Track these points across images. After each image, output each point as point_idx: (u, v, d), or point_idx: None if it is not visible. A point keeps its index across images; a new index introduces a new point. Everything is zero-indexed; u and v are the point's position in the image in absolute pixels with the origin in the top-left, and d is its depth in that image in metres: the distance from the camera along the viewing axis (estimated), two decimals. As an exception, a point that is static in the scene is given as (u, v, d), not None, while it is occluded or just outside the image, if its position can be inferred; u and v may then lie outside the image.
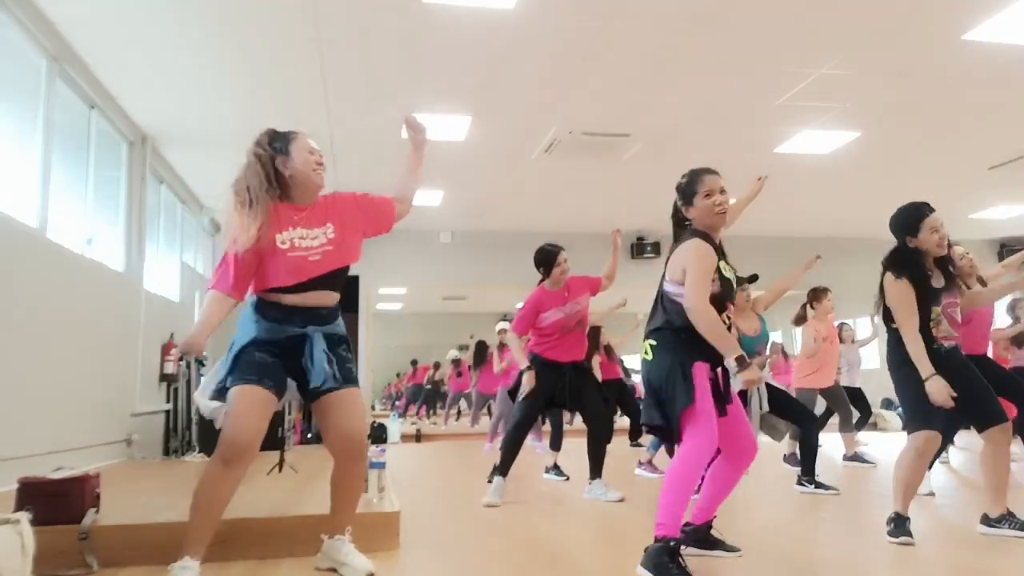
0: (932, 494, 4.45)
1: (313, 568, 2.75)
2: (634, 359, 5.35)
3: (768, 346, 4.88)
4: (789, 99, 6.15)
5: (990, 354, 4.57)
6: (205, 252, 9.34)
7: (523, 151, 7.40)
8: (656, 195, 9.27)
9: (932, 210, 3.20)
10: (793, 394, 4.80)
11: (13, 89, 4.74)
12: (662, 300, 2.74)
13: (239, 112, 5.97)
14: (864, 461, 6.01)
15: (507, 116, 6.51)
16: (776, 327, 5.18)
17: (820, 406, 6.38)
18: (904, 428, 3.29)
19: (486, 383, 9.70)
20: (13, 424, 4.18)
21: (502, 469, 4.38)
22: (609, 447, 4.54)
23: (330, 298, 2.67)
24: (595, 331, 7.13)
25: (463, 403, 13.00)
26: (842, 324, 7.67)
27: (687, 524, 2.94)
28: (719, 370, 2.72)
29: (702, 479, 2.87)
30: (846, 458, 6.13)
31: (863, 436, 6.50)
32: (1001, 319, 6.50)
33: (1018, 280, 3.75)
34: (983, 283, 4.19)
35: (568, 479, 5.37)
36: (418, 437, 10.55)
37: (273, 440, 6.14)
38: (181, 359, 7.06)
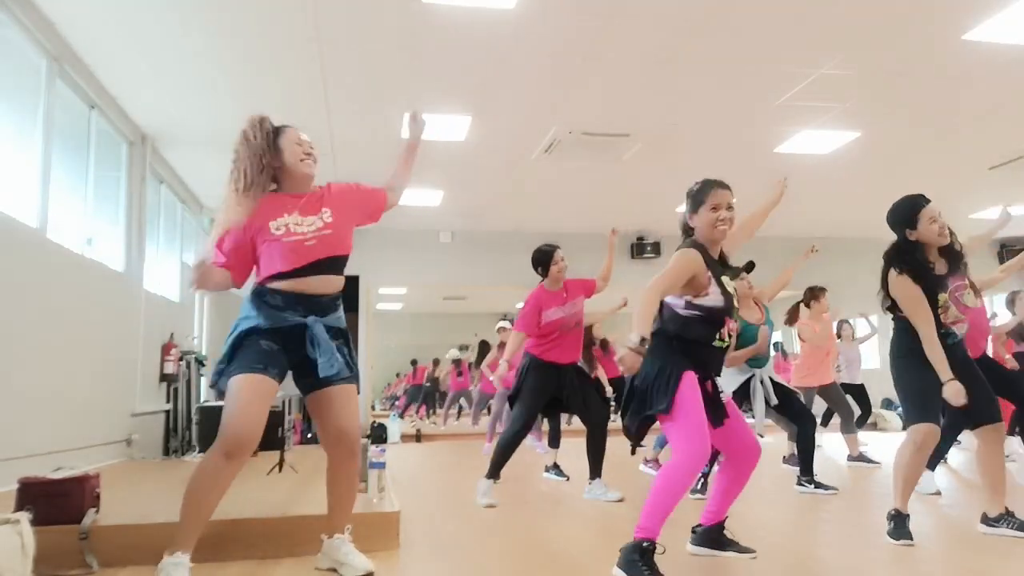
0: (938, 493, 4.45)
1: (313, 568, 2.74)
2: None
3: (772, 333, 4.88)
4: (789, 99, 6.15)
5: (989, 354, 4.57)
6: (205, 252, 9.32)
7: (523, 151, 7.40)
8: (656, 195, 9.37)
9: (928, 201, 3.19)
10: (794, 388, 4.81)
11: (13, 89, 4.74)
12: (660, 307, 2.72)
13: (239, 112, 5.88)
14: (869, 461, 6.00)
15: (507, 116, 6.51)
16: (776, 327, 5.17)
17: (819, 407, 6.38)
18: (903, 423, 3.29)
19: (488, 382, 9.72)
20: (13, 424, 4.18)
21: (492, 471, 4.36)
22: (609, 446, 4.54)
23: (331, 284, 2.65)
24: (588, 326, 7.11)
25: (463, 402, 13.00)
26: (842, 321, 7.67)
27: (698, 525, 2.95)
28: (712, 382, 2.73)
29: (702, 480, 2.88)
30: (850, 459, 6.11)
31: (862, 436, 6.48)
32: (1002, 318, 6.52)
33: None
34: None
35: (568, 479, 5.37)
36: (418, 437, 10.54)
37: (273, 440, 6.16)
38: (181, 358, 7.07)
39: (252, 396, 2.44)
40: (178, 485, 2.54)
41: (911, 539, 3.07)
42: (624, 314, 7.77)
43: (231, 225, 2.53)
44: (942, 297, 3.12)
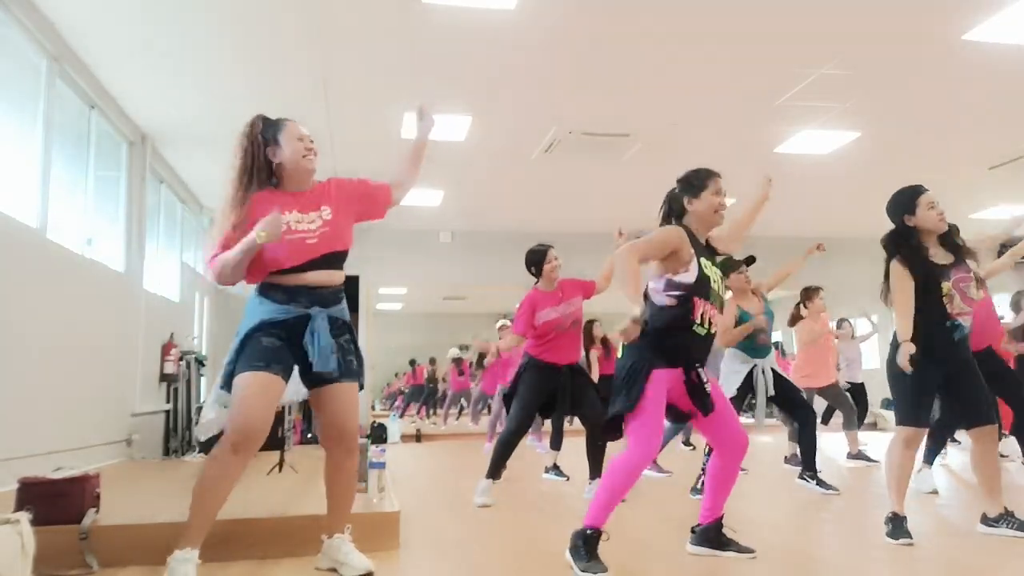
0: (936, 492, 4.45)
1: (313, 568, 2.74)
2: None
3: (772, 321, 4.88)
4: (789, 99, 6.15)
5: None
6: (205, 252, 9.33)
7: (523, 151, 7.40)
8: (656, 195, 9.25)
9: (926, 189, 3.22)
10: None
11: (13, 89, 4.74)
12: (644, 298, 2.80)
13: (239, 112, 5.89)
14: (868, 459, 6.01)
15: (507, 116, 6.51)
16: (775, 327, 5.18)
17: (819, 405, 6.37)
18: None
19: (488, 382, 9.72)
20: (13, 424, 4.18)
21: (492, 471, 4.36)
22: (609, 447, 4.53)
23: (333, 277, 2.65)
24: (589, 325, 7.11)
25: (463, 401, 13.02)
26: (841, 320, 7.67)
27: (697, 525, 2.95)
28: (696, 372, 2.74)
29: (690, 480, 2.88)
30: (850, 456, 6.12)
31: (862, 436, 6.48)
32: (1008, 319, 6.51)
33: None
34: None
35: (568, 479, 5.37)
36: (418, 437, 10.55)
37: (273, 440, 6.16)
38: (181, 358, 7.06)
39: (254, 391, 2.45)
40: (178, 485, 2.54)
41: (911, 538, 3.07)
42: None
43: (227, 231, 2.54)
44: (945, 286, 3.10)
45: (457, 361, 12.72)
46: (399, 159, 3.09)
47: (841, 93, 6.06)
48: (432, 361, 15.78)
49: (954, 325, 3.12)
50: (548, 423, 6.24)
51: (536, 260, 4.51)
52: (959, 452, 6.55)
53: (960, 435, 6.74)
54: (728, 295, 4.99)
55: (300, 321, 2.55)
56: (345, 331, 2.69)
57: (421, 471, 6.57)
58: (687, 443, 7.45)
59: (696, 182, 2.85)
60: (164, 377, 6.96)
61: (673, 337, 2.70)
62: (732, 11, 4.74)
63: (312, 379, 2.60)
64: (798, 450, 5.22)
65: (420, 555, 3.06)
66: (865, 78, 5.79)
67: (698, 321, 2.70)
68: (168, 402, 6.89)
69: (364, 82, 5.74)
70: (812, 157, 7.61)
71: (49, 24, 4.77)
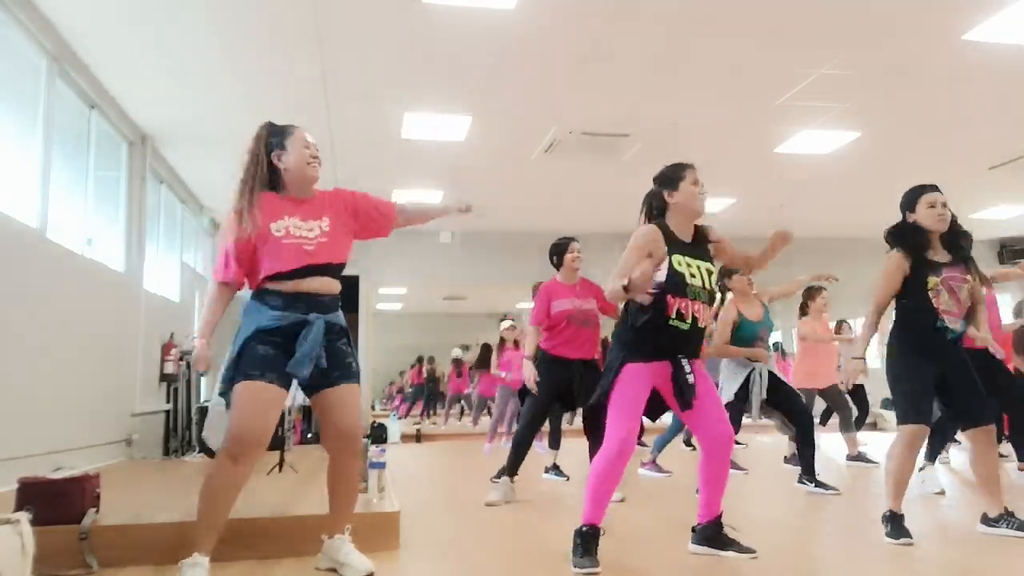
0: (942, 492, 4.45)
1: (313, 568, 2.75)
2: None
3: (769, 332, 4.89)
4: (789, 99, 6.15)
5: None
6: (205, 252, 9.34)
7: (523, 151, 7.40)
8: (656, 195, 9.34)
9: (934, 188, 3.27)
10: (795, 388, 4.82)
11: (13, 89, 4.74)
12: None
13: (239, 112, 5.96)
14: (867, 461, 6.01)
15: (507, 116, 6.51)
16: (776, 327, 5.20)
17: (818, 406, 6.37)
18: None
19: (486, 385, 9.71)
20: (13, 424, 4.18)
21: (510, 469, 4.40)
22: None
23: (330, 285, 2.66)
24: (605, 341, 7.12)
25: (462, 403, 13.01)
26: (840, 322, 7.66)
27: (697, 524, 2.95)
28: (679, 362, 2.77)
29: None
30: (849, 458, 6.12)
31: (861, 436, 6.48)
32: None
33: None
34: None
35: (568, 479, 5.37)
36: (418, 437, 10.55)
37: (273, 440, 6.15)
38: (181, 359, 7.06)
39: (250, 401, 2.47)
40: (178, 485, 2.55)
41: (910, 537, 3.07)
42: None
43: (238, 238, 2.55)
44: (932, 280, 3.13)
45: (457, 362, 12.72)
46: (419, 207, 3.14)
47: (841, 93, 6.06)
48: (431, 360, 15.79)
49: (945, 326, 3.13)
50: (547, 423, 6.24)
51: (558, 251, 4.55)
52: (960, 452, 6.55)
53: (960, 435, 6.73)
54: (729, 295, 4.99)
55: (296, 327, 2.56)
56: (343, 335, 2.70)
57: (421, 471, 6.57)
58: (688, 443, 7.45)
59: (673, 175, 2.92)
60: (164, 377, 6.96)
61: (651, 333, 2.77)
62: (732, 11, 4.74)
63: (312, 383, 2.60)
64: (797, 450, 5.21)
65: (420, 555, 3.06)
66: (865, 78, 5.79)
67: (673, 317, 2.75)
68: (168, 402, 6.89)
69: (364, 82, 5.73)
70: (812, 157, 7.61)
71: (49, 24, 4.77)
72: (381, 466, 3.52)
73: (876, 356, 10.35)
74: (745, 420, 4.92)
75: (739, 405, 4.66)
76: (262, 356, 2.52)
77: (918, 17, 4.86)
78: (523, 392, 4.51)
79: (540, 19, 4.78)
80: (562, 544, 2.81)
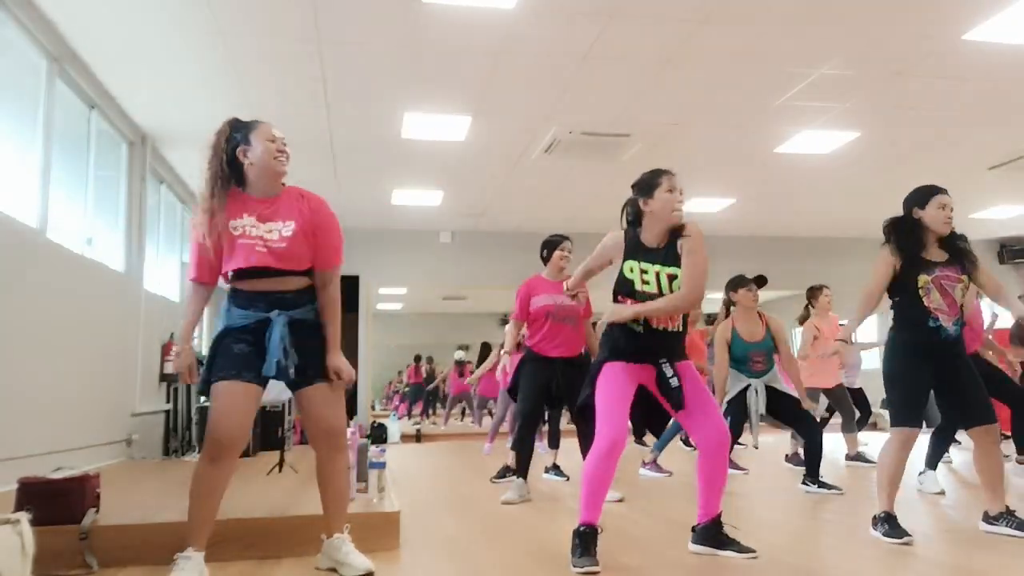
0: (942, 492, 4.46)
1: (313, 568, 2.75)
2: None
3: (767, 355, 4.85)
4: (789, 99, 6.15)
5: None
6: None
7: (523, 151, 7.40)
8: (656, 195, 9.34)
9: (945, 191, 3.27)
10: (796, 395, 4.81)
11: (13, 89, 4.74)
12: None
13: (239, 112, 5.92)
14: (867, 461, 6.01)
15: (507, 116, 6.50)
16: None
17: (821, 406, 6.37)
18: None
19: (487, 385, 9.71)
20: (13, 424, 4.18)
21: (520, 472, 4.46)
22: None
23: (289, 283, 2.60)
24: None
25: (465, 404, 13.01)
26: (843, 325, 7.65)
27: (696, 524, 2.95)
28: (660, 367, 2.82)
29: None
30: (848, 458, 6.12)
31: (862, 436, 6.49)
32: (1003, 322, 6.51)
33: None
34: None
35: (568, 479, 5.37)
36: (418, 437, 10.55)
37: (273, 440, 6.18)
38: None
39: (224, 401, 2.49)
40: (178, 485, 2.55)
41: (909, 536, 3.07)
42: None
43: (201, 237, 2.58)
44: (922, 279, 3.14)
45: (459, 364, 12.72)
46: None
47: (841, 93, 6.06)
48: (430, 360, 15.80)
49: (938, 325, 3.13)
50: (547, 423, 6.24)
51: (549, 247, 4.60)
52: (960, 452, 6.55)
53: (960, 435, 6.73)
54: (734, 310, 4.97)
55: (262, 325, 2.56)
56: (314, 332, 2.63)
57: (421, 471, 6.57)
58: (687, 443, 7.45)
59: (650, 182, 2.92)
60: (164, 377, 6.96)
61: (618, 333, 2.87)
62: (732, 11, 4.74)
63: (292, 383, 2.62)
64: (800, 449, 5.21)
65: (420, 555, 3.06)
66: (865, 78, 5.79)
67: (635, 320, 2.82)
68: (168, 402, 6.89)
69: (364, 82, 5.73)
70: (812, 157, 7.61)
71: (49, 24, 4.76)
72: (381, 466, 3.52)
73: (876, 356, 10.35)
74: (745, 438, 4.94)
75: (736, 419, 4.68)
76: (236, 355, 2.53)
77: (918, 17, 4.86)
78: (513, 390, 4.56)
79: (540, 19, 4.78)
80: (562, 544, 2.81)
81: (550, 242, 4.60)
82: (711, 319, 8.11)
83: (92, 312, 5.52)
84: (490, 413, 10.69)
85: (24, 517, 2.31)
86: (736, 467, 5.54)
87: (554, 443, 5.90)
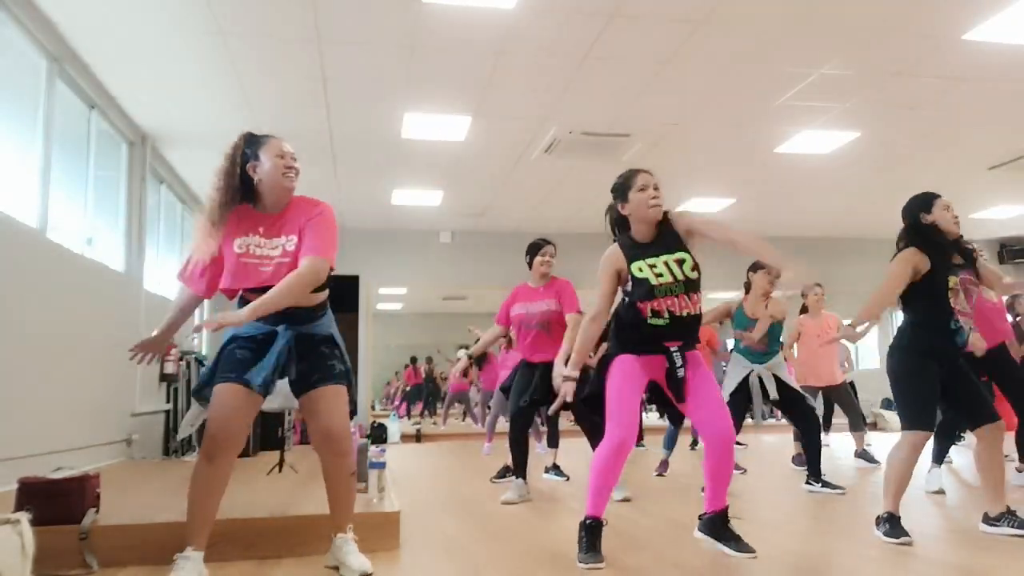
0: (942, 492, 4.46)
1: (313, 568, 2.75)
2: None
3: (767, 334, 4.87)
4: (789, 99, 6.15)
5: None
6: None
7: (523, 151, 7.40)
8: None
9: (941, 196, 3.29)
10: (800, 389, 4.82)
11: (13, 89, 4.74)
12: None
13: (239, 112, 5.96)
14: (870, 460, 6.02)
15: (507, 116, 6.50)
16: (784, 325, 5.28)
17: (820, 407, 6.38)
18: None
19: (489, 381, 9.71)
20: (13, 424, 4.18)
21: (517, 471, 4.46)
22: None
23: (300, 299, 2.58)
24: None
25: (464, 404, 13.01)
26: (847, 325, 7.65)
27: (703, 513, 2.97)
28: (671, 356, 2.83)
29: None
30: (856, 455, 6.14)
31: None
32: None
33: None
34: None
35: (568, 479, 5.37)
36: (418, 437, 10.54)
37: (273, 440, 6.17)
38: (181, 358, 7.06)
39: (223, 402, 2.52)
40: (178, 485, 2.55)
41: (909, 536, 3.07)
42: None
43: (198, 257, 2.61)
44: (952, 280, 3.15)
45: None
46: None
47: (841, 93, 6.06)
48: (429, 360, 15.80)
49: (958, 327, 3.14)
50: (547, 423, 6.26)
51: (530, 252, 4.66)
52: (960, 452, 6.55)
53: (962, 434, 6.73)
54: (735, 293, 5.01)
55: (269, 337, 2.60)
56: (327, 343, 2.69)
57: (421, 471, 6.57)
58: (693, 446, 7.46)
59: (623, 184, 2.92)
60: (164, 377, 6.95)
61: (632, 330, 2.86)
62: (732, 11, 4.74)
63: (298, 387, 2.64)
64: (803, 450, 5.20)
65: (420, 555, 3.06)
66: (865, 78, 5.79)
67: (649, 317, 2.82)
68: (168, 402, 6.89)
69: (364, 82, 5.73)
70: (812, 157, 7.61)
71: (49, 24, 4.76)
72: (381, 466, 3.52)
73: (875, 356, 10.35)
74: (747, 421, 4.93)
75: (739, 406, 4.67)
76: (239, 359, 2.57)
77: (918, 17, 4.86)
78: (505, 390, 4.62)
79: (540, 19, 4.78)
80: (562, 544, 2.81)
81: (533, 246, 4.63)
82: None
83: (92, 312, 5.52)
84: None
85: (24, 517, 2.31)
86: (735, 467, 5.54)
87: (553, 443, 5.91)
